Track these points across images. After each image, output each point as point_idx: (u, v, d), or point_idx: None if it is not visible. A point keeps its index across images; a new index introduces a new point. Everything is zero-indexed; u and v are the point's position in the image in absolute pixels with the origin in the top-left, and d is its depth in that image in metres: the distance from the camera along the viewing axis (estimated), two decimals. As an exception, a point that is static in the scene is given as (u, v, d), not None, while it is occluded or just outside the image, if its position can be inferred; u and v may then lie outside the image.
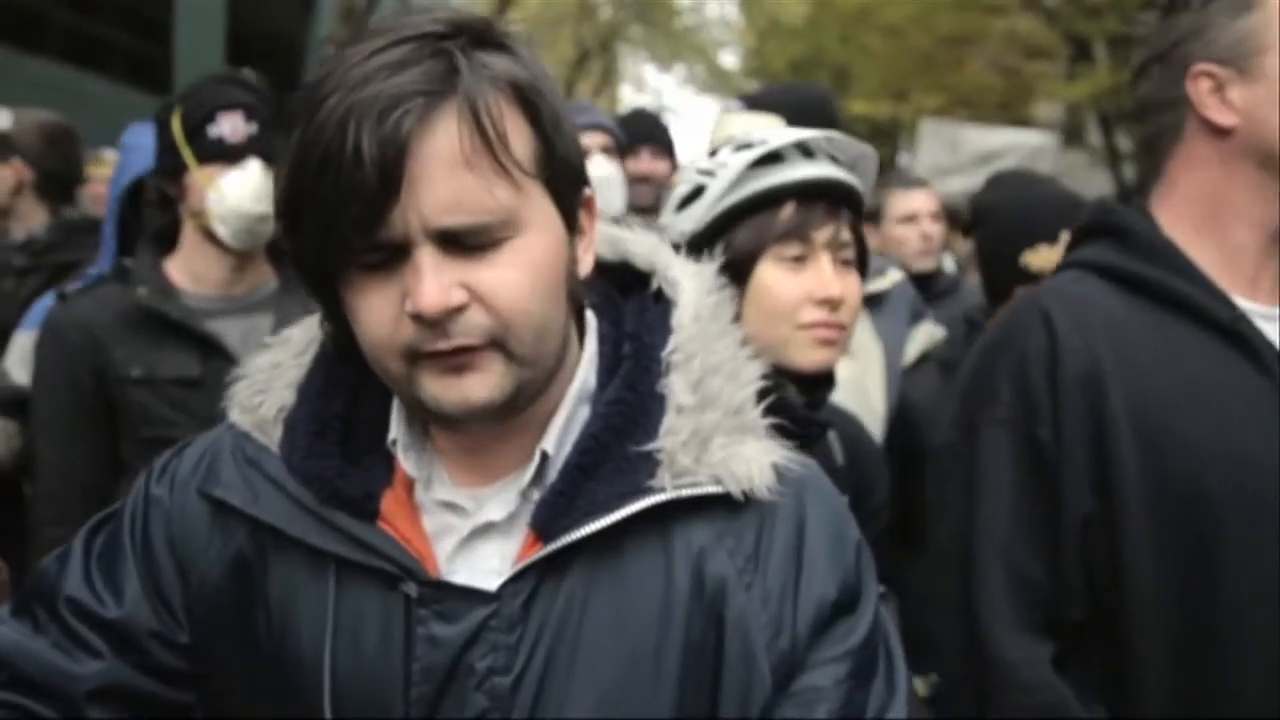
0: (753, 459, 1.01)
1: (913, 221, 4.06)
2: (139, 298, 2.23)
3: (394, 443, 1.04)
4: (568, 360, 1.04)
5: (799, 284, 1.58)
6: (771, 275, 1.58)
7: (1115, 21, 15.06)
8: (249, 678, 1.06)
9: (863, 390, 2.46)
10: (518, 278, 0.94)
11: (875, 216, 4.10)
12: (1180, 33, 1.47)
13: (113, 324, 2.23)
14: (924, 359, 2.73)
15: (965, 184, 9.71)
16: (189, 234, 2.32)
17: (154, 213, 2.50)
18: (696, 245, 1.55)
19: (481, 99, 0.92)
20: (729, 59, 32.05)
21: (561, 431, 1.03)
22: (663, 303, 1.09)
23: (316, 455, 1.04)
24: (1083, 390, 1.40)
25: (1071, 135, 18.42)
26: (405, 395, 0.99)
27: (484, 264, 0.93)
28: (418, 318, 0.92)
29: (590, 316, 1.10)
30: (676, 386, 1.03)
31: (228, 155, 2.21)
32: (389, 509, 1.03)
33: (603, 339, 1.08)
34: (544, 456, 1.01)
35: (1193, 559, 1.36)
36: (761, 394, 1.07)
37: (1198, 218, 1.48)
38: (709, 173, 1.61)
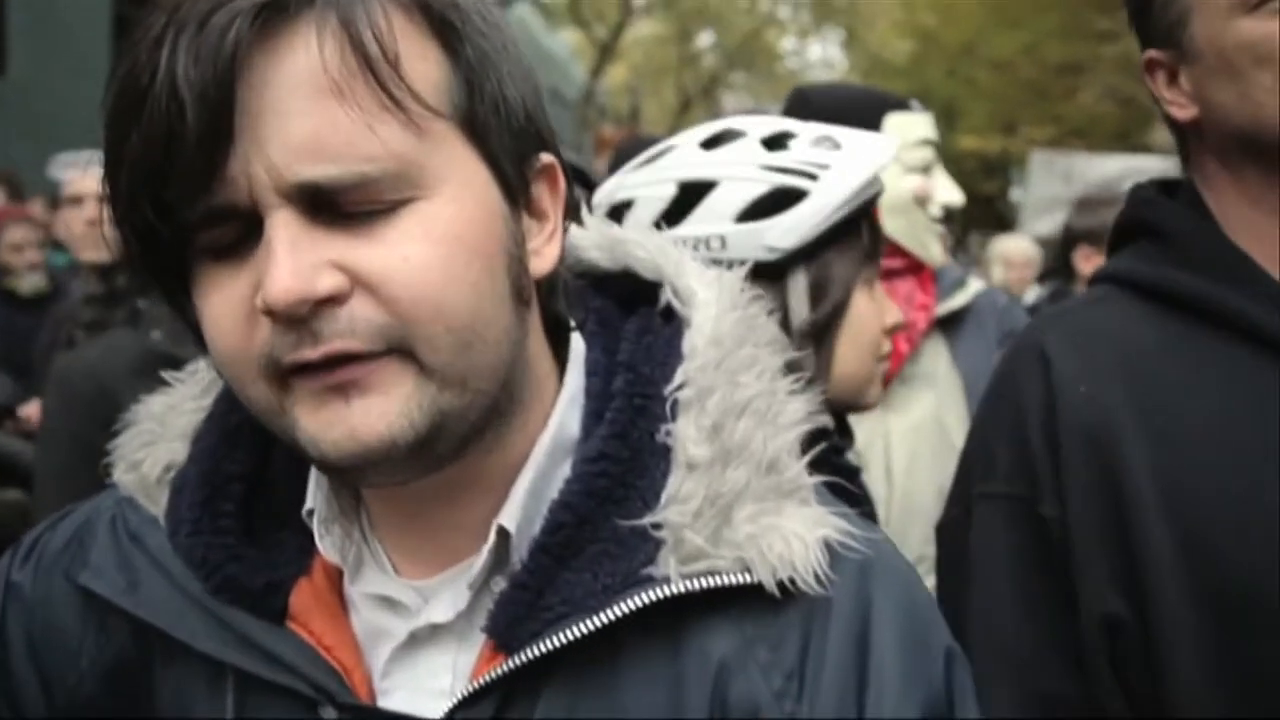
0: (795, 535, 0.73)
1: None
2: (153, 343, 2.08)
3: (310, 514, 0.79)
4: (537, 398, 0.78)
5: (880, 312, 1.36)
6: (864, 303, 1.33)
7: (1238, 42, 14.38)
8: None
9: (942, 427, 2.16)
10: (422, 254, 0.67)
11: (1097, 238, 3.70)
12: (1132, 17, 1.16)
13: (124, 372, 2.05)
14: None
15: (1081, 215, 9.41)
16: None
17: None
18: (779, 267, 1.27)
19: (360, 7, 0.67)
20: (833, 100, 31.81)
21: (529, 498, 0.76)
22: (673, 322, 0.83)
23: (206, 530, 0.79)
24: (1090, 450, 1.04)
25: (1195, 162, 17.63)
26: (286, 439, 0.72)
27: (372, 237, 0.67)
28: (270, 314, 0.66)
29: (576, 342, 0.83)
30: (685, 434, 0.76)
31: None
32: (302, 605, 0.78)
33: (592, 371, 0.81)
34: (503, 534, 0.75)
35: (1255, 671, 1.00)
36: (809, 441, 0.80)
37: (1241, 215, 1.11)
38: (804, 174, 1.27)
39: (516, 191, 0.75)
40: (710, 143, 1.33)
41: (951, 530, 1.18)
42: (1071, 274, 3.97)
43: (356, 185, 0.66)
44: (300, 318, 0.66)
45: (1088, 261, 3.82)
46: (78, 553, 0.86)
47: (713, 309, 0.81)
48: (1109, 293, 1.16)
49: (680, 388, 0.78)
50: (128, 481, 0.87)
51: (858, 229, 1.32)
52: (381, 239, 0.67)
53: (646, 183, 1.33)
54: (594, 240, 0.87)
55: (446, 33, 0.71)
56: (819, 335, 1.29)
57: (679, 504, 0.74)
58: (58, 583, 0.86)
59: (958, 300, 2.26)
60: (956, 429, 2.17)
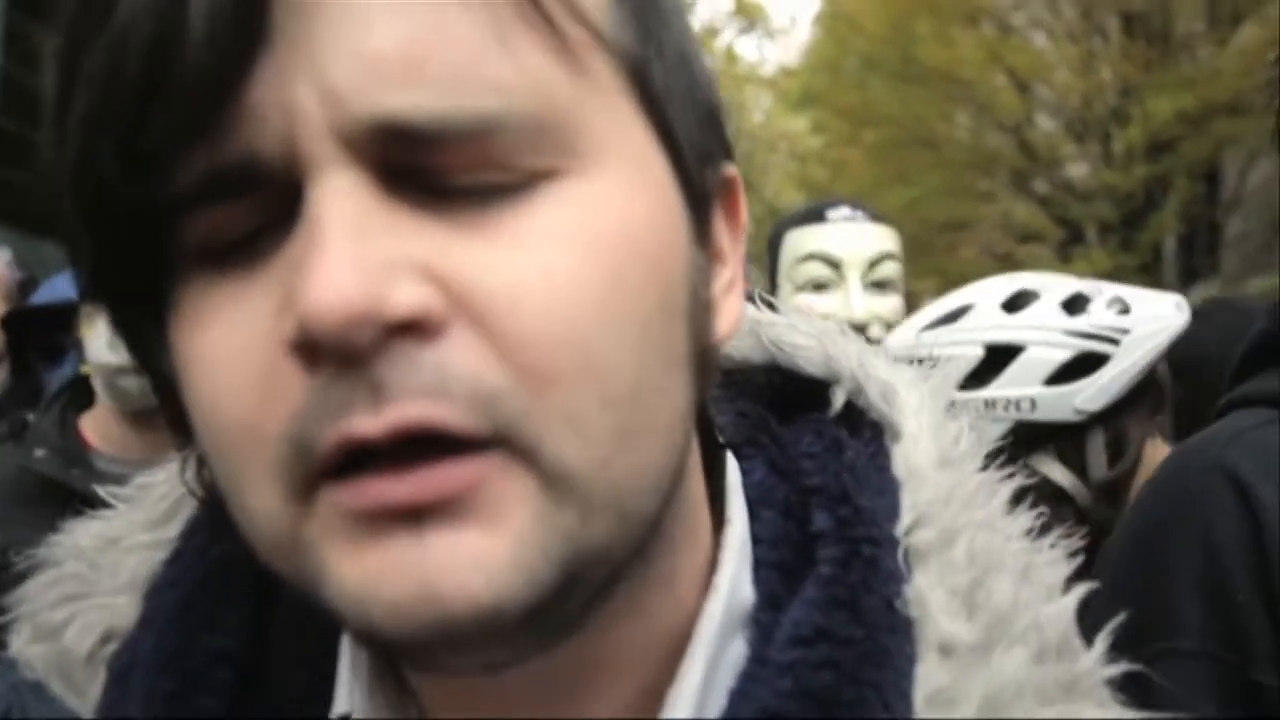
0: None
1: None
2: (34, 462, 1.76)
3: None
4: (691, 538, 0.51)
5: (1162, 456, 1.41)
6: (1150, 452, 1.38)
7: (1106, 208, 15.36)
8: None
9: None
10: (574, 267, 0.40)
11: None
12: None
13: None
14: None
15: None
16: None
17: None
18: (1079, 427, 1.36)
19: None
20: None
21: (699, 696, 0.48)
22: (864, 432, 0.57)
23: None
24: None
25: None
26: (306, 592, 0.43)
27: (488, 232, 0.39)
28: (308, 347, 0.37)
29: (731, 464, 0.55)
30: (933, 600, 0.50)
31: None
32: None
33: (761, 500, 0.54)
34: None
35: None
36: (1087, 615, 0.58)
37: None
38: (1106, 339, 1.37)
39: (700, 199, 0.47)
40: (1010, 305, 1.41)
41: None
42: None
43: (472, 133, 0.38)
44: (357, 352, 0.37)
45: None
46: None
47: (926, 416, 0.55)
48: (1273, 416, 1.00)
49: (914, 528, 0.51)
50: (35, 657, 0.56)
51: (1149, 386, 1.39)
52: (506, 235, 0.39)
53: (950, 342, 1.40)
54: None
55: None
56: (1114, 490, 1.34)
57: (942, 709, 0.47)
58: None
59: None
60: None
